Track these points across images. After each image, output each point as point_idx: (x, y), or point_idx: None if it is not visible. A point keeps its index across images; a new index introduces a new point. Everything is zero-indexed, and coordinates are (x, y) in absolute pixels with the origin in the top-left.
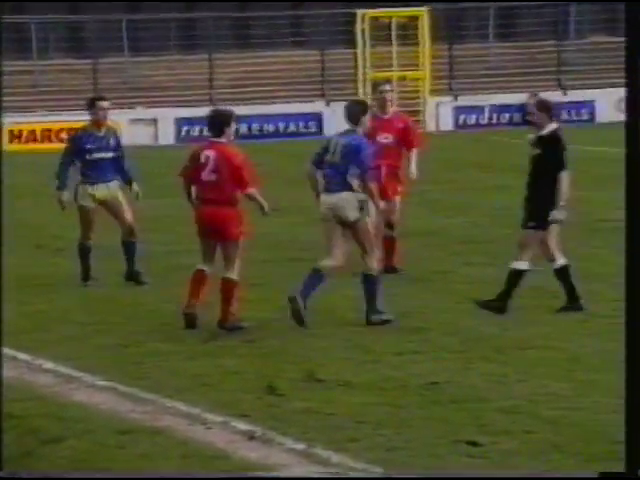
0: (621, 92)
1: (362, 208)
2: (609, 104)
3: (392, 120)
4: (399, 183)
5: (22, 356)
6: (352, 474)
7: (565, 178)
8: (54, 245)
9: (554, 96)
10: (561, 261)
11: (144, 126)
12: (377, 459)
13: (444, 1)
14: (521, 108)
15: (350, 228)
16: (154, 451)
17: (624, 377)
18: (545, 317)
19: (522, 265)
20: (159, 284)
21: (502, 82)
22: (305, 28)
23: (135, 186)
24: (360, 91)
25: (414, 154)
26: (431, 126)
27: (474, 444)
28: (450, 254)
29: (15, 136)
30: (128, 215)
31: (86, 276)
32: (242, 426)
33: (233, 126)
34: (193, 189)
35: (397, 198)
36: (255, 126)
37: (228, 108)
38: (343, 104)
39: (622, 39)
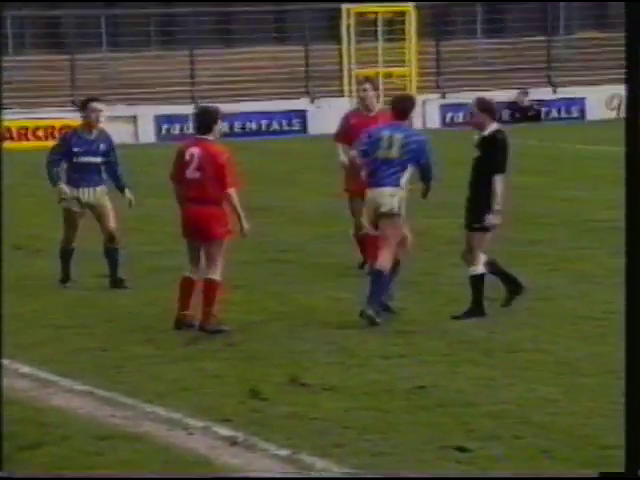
0: (612, 89)
1: (400, 206)
2: (600, 101)
3: (377, 118)
4: None
5: None
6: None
7: (499, 182)
8: (34, 246)
9: (544, 93)
10: (479, 269)
11: (123, 123)
12: (363, 465)
13: None
14: (510, 106)
15: (383, 218)
16: (134, 457)
17: (624, 378)
18: (534, 320)
19: (478, 269)
20: (139, 286)
21: (490, 79)
22: (289, 23)
23: (128, 193)
24: (345, 88)
25: None
26: (417, 124)
27: (462, 449)
28: (436, 255)
29: None
30: (111, 222)
31: (65, 278)
32: (224, 431)
33: (220, 123)
34: (178, 188)
35: None
36: (237, 124)
37: (215, 105)
38: (327, 101)
39: (611, 34)
